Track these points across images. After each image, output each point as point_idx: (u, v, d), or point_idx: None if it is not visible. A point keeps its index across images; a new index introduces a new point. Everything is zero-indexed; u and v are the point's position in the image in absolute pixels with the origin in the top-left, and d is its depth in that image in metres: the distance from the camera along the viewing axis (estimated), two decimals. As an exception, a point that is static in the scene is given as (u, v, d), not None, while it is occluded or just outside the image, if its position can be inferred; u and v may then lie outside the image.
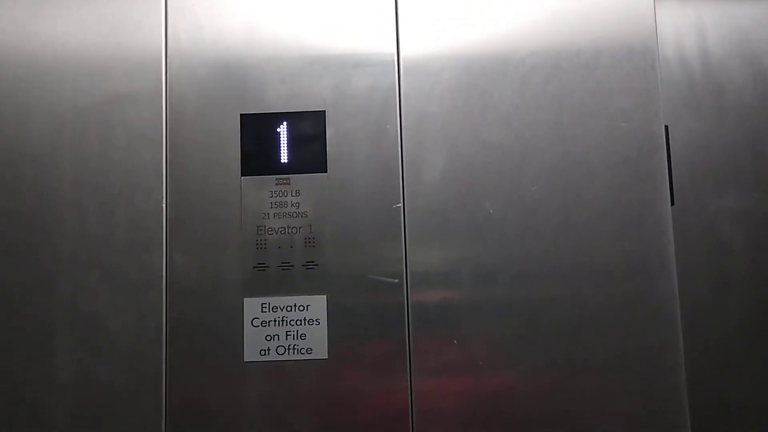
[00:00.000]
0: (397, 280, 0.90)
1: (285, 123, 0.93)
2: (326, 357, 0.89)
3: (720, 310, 1.13)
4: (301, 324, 0.90)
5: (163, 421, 0.88)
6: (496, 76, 0.94)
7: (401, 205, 0.92)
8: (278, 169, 0.92)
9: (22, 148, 0.93)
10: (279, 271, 0.91)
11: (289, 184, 0.92)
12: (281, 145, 0.93)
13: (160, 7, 0.95)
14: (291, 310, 0.90)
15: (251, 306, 0.90)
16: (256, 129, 0.93)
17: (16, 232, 0.91)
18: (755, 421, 1.12)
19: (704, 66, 1.16)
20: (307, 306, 0.90)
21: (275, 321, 0.90)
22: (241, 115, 0.93)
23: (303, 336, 0.89)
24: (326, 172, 0.92)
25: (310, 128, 0.93)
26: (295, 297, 0.90)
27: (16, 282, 0.90)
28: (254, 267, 0.91)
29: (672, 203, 0.91)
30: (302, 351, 0.89)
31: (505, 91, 0.93)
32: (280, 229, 0.92)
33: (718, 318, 1.13)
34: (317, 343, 0.89)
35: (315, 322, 0.90)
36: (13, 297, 0.90)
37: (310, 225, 0.91)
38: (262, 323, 0.90)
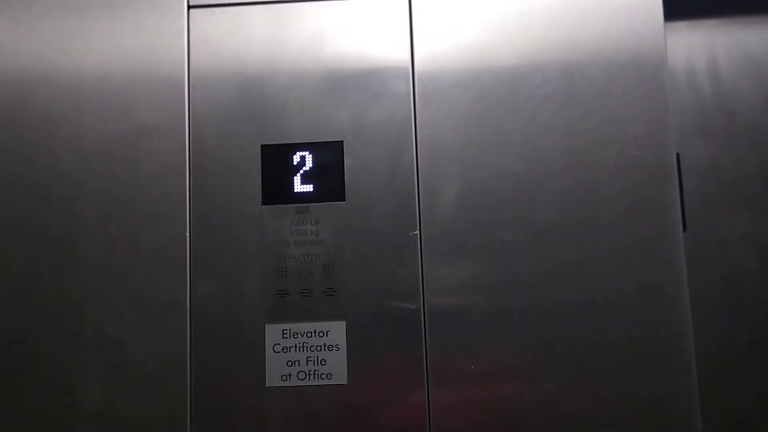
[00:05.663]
0: (414, 306, 0.92)
1: (304, 153, 0.96)
2: (346, 382, 0.91)
3: (733, 336, 1.13)
4: (321, 350, 0.92)
5: (188, 444, 0.90)
6: (508, 106, 0.95)
7: (418, 232, 0.94)
8: (298, 198, 0.95)
9: (53, 179, 0.96)
10: (299, 297, 0.93)
11: (308, 212, 0.95)
12: (301, 174, 0.95)
13: (182, 40, 0.98)
14: (311, 336, 0.92)
15: (272, 332, 0.92)
16: (277, 159, 0.95)
17: (45, 261, 0.94)
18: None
19: (715, 91, 1.17)
20: (327, 332, 0.92)
21: (296, 347, 0.92)
22: (261, 145, 0.96)
23: (323, 361, 0.92)
24: (344, 200, 0.95)
25: (328, 158, 0.95)
26: (315, 323, 0.92)
27: (43, 310, 0.93)
28: (275, 294, 0.93)
29: (684, 230, 0.93)
30: (323, 376, 0.91)
31: (518, 120, 0.95)
32: (300, 257, 0.94)
33: (732, 343, 1.13)
34: (337, 369, 0.91)
35: (335, 348, 0.92)
36: (41, 324, 0.93)
37: (329, 252, 0.94)
38: (283, 349, 0.92)
